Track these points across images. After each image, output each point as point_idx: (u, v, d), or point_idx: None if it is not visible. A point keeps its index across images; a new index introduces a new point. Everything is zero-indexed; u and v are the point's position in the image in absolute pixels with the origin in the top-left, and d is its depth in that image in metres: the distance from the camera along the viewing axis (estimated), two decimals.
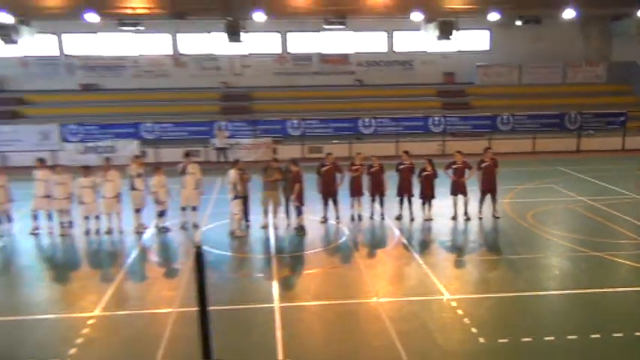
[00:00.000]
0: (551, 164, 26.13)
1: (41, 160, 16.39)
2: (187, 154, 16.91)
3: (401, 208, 17.05)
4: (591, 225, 16.66)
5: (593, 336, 9.77)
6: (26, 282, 13.21)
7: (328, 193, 16.68)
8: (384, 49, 35.06)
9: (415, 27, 31.67)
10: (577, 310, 11.21)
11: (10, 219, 16.05)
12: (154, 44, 33.78)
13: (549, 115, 31.61)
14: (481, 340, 9.67)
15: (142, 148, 27.62)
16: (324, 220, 16.86)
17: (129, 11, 28.13)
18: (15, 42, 27.95)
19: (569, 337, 9.76)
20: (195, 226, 16.37)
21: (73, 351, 9.46)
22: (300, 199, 15.84)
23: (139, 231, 16.06)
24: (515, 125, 31.24)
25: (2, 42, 27.87)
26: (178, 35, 33.69)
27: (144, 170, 16.40)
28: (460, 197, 16.86)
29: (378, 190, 16.90)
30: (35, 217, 16.05)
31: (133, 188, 16.06)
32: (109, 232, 16.04)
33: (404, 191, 16.89)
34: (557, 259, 13.81)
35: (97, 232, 16.03)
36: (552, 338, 9.71)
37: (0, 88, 33.06)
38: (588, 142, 30.54)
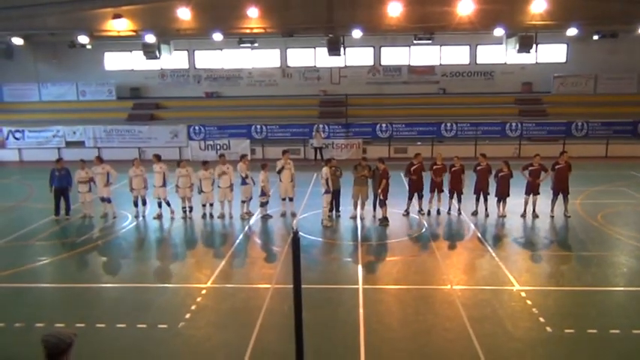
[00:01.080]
0: (623, 169, 24.31)
1: (157, 156, 16.91)
2: (285, 152, 17.12)
3: (477, 204, 16.44)
4: None
5: None
6: (153, 256, 13.89)
7: (416, 189, 16.43)
8: (467, 61, 33.92)
9: (497, 41, 30.55)
10: None
11: (144, 202, 16.86)
12: (265, 58, 34.47)
13: (623, 122, 29.46)
14: (548, 329, 9.12)
15: (252, 147, 28.29)
16: (407, 214, 16.57)
17: (247, 31, 28.86)
18: (157, 58, 29.47)
19: (635, 331, 9.01)
20: (293, 215, 16.58)
21: (188, 315, 9.81)
22: (385, 194, 15.64)
23: (245, 217, 16.42)
24: (589, 131, 29.41)
25: (145, 57, 29.49)
26: (287, 50, 34.20)
27: (250, 169, 16.72)
28: (531, 196, 16.06)
29: (456, 188, 16.40)
30: (159, 205, 16.70)
31: (243, 183, 16.44)
32: (222, 216, 16.54)
33: (480, 189, 16.29)
34: (625, 257, 12.77)
35: (211, 216, 16.59)
36: (618, 331, 9.00)
37: (141, 95, 34.97)
38: None
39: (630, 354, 8.47)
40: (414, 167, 16.35)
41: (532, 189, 16.02)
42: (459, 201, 16.53)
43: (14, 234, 15.23)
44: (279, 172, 16.46)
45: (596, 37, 30.07)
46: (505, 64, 33.36)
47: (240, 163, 16.60)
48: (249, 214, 16.53)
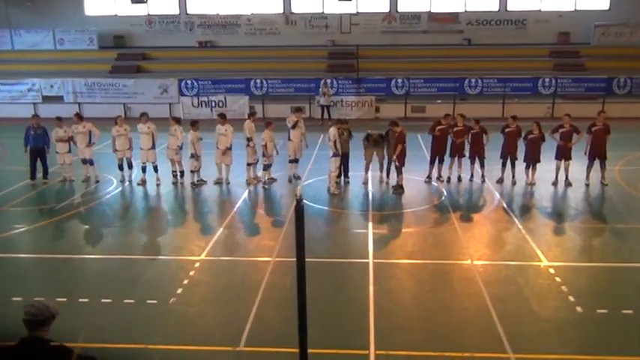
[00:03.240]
0: None
1: (143, 114, 16.74)
2: (298, 109, 17.05)
3: (503, 171, 16.40)
4: None
5: None
6: (141, 225, 14.03)
7: (438, 151, 16.47)
8: (496, 7, 33.35)
9: None
10: None
11: (130, 165, 16.88)
12: (266, 3, 34.03)
13: None
14: (578, 309, 9.19)
15: (251, 104, 28.15)
16: (428, 180, 16.62)
17: None
18: (143, 2, 29.12)
19: None
20: (297, 177, 16.77)
21: (180, 290, 9.94)
22: (401, 160, 15.59)
23: (252, 182, 16.45)
24: (632, 89, 28.97)
25: (131, 1, 29.13)
26: None
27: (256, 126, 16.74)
28: (563, 162, 15.98)
29: (477, 152, 16.37)
30: (143, 169, 16.66)
31: (249, 145, 16.41)
32: (219, 182, 16.60)
33: (508, 154, 16.23)
34: None
35: (203, 181, 16.54)
36: None
37: (126, 45, 34.71)
38: None
39: None
40: (441, 127, 16.36)
41: (563, 154, 15.91)
42: (482, 166, 16.51)
43: None
44: (293, 127, 16.48)
45: None
46: (539, 11, 32.84)
47: (248, 121, 16.62)
48: (257, 180, 16.56)
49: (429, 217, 14.01)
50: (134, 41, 34.84)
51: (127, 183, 16.75)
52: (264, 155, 16.12)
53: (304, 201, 5.87)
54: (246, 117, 17.12)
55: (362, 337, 8.41)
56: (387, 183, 16.25)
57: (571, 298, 9.53)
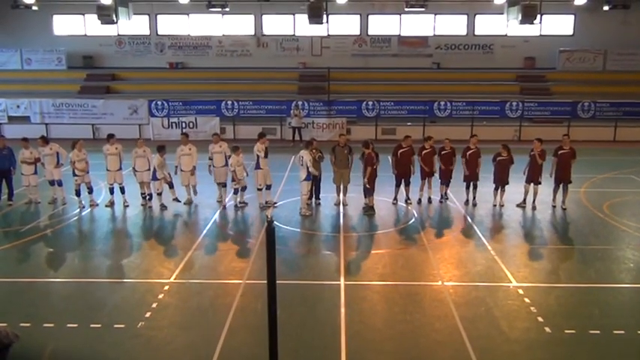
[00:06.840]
0: (632, 154, 24.74)
1: (111, 136, 16.60)
2: (263, 135, 16.74)
3: (467, 192, 16.65)
4: None
5: None
6: (109, 247, 13.77)
7: (403, 174, 16.49)
8: (464, 32, 34.02)
9: (497, 10, 30.59)
10: None
11: (91, 189, 16.50)
12: (238, 25, 34.15)
13: (634, 103, 29.82)
14: (547, 329, 9.32)
15: (222, 125, 28.12)
16: (395, 202, 16.70)
17: None
18: (113, 22, 28.87)
19: None
20: (273, 204, 16.52)
21: (148, 314, 9.80)
22: (371, 182, 15.67)
23: (220, 201, 16.49)
24: (596, 113, 29.71)
25: (100, 22, 28.94)
26: (262, 17, 33.91)
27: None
28: (532, 186, 16.15)
29: (447, 173, 16.56)
30: (111, 191, 16.46)
31: (214, 165, 16.44)
32: (188, 202, 16.49)
33: (469, 176, 16.47)
34: (632, 251, 13.04)
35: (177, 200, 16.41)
36: (622, 332, 9.24)
37: (96, 65, 34.43)
38: None
39: (635, 357, 8.71)
40: (402, 151, 16.41)
41: (533, 177, 16.08)
42: (446, 186, 16.79)
43: None
44: (266, 156, 16.10)
45: (606, 8, 30.23)
46: (506, 36, 33.52)
47: (214, 143, 16.67)
48: (226, 200, 16.55)
49: (399, 239, 14.07)
50: (104, 62, 34.57)
51: (95, 205, 16.44)
52: (233, 180, 16.03)
53: (275, 223, 5.86)
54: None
55: None
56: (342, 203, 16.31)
57: (540, 319, 9.65)
